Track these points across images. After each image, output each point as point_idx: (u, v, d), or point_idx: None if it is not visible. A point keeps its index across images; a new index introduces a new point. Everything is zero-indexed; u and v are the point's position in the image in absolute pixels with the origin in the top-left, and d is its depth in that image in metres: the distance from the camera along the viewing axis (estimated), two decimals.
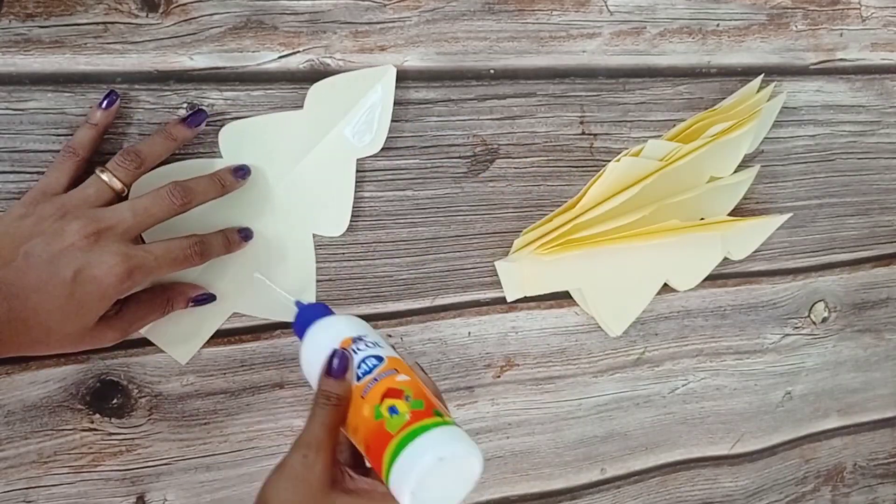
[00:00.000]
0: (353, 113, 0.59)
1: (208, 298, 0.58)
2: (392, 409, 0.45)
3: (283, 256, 0.61)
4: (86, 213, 0.48)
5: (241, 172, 0.56)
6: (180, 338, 0.60)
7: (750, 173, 0.72)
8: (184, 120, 0.54)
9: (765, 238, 0.76)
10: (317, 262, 0.62)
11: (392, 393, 0.45)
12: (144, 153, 0.52)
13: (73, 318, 0.48)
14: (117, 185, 0.50)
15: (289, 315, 0.55)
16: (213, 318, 0.60)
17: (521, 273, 0.68)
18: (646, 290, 0.73)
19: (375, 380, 0.46)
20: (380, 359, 0.48)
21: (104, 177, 0.50)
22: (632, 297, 0.73)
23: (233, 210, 0.58)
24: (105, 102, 0.52)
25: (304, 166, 0.59)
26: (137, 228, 0.50)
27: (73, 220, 0.48)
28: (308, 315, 0.52)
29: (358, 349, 0.49)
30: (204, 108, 0.55)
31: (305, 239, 0.61)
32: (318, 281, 0.63)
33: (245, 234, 0.58)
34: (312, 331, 0.51)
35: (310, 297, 0.62)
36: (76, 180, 0.51)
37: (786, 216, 0.75)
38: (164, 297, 0.56)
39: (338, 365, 0.47)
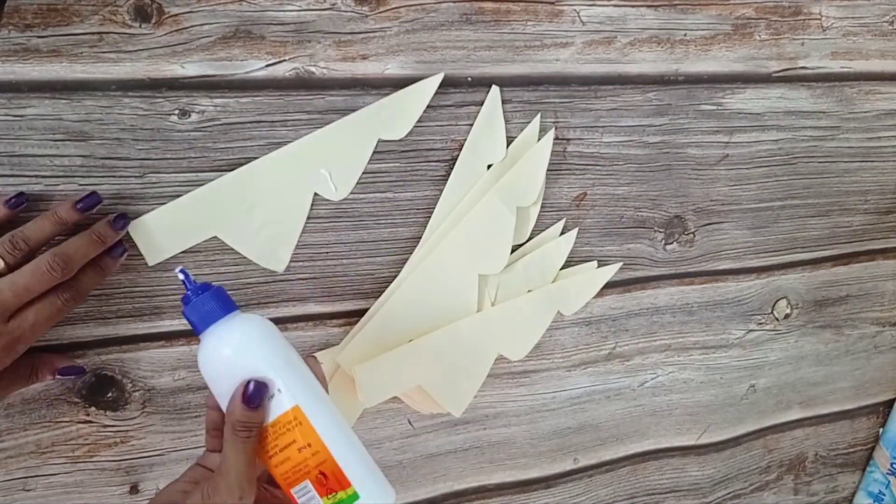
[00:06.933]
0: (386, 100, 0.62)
1: (75, 371, 0.58)
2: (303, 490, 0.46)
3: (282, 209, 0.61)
4: None
5: (120, 223, 0.55)
6: None
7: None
8: (75, 203, 0.53)
9: (596, 290, 0.73)
10: (302, 262, 0.63)
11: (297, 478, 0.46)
12: (31, 237, 0.51)
13: None
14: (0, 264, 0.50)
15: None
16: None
17: (374, 378, 0.65)
18: (479, 367, 0.70)
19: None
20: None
21: None
22: (466, 379, 0.69)
23: None
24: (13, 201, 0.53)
25: (324, 132, 0.60)
26: (15, 306, 0.50)
27: None
28: (204, 303, 0.47)
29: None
30: (97, 192, 0.54)
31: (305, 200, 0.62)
32: (302, 280, 0.63)
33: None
34: (219, 331, 0.47)
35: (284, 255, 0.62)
36: None
37: (616, 266, 0.74)
38: (29, 365, 0.56)
39: (254, 394, 0.45)
